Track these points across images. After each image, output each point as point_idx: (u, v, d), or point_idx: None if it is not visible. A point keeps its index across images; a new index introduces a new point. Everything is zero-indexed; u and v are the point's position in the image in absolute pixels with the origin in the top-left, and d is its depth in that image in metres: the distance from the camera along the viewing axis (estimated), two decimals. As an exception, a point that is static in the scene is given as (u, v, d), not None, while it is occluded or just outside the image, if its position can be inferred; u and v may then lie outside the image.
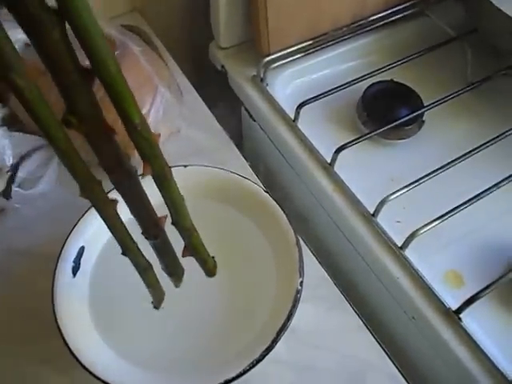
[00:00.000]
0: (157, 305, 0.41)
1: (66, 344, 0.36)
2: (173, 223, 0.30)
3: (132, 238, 0.33)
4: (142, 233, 0.31)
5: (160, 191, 0.27)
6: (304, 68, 0.61)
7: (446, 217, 0.47)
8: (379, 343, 0.43)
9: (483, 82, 0.59)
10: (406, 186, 0.49)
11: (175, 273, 0.36)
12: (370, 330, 0.43)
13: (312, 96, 0.56)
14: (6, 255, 0.47)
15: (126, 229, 0.30)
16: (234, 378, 0.34)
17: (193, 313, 0.41)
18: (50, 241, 0.46)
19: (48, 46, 0.19)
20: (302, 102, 0.55)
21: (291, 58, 0.60)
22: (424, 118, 0.57)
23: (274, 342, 0.36)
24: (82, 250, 0.41)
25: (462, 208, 0.47)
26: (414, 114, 0.56)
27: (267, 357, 0.36)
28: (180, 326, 0.41)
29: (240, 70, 0.62)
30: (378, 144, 0.57)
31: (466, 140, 0.56)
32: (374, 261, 0.48)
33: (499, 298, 0.46)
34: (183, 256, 0.33)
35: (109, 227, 0.29)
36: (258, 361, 0.35)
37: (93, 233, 0.42)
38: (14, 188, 0.48)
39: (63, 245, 0.41)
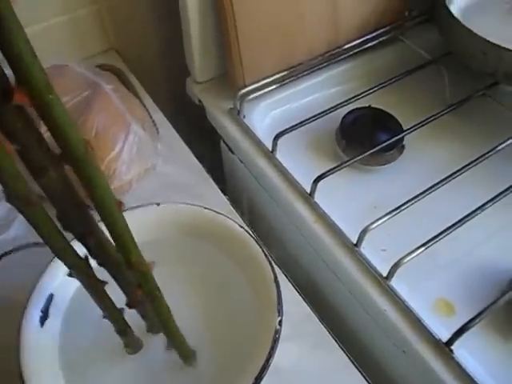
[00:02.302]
0: (132, 353, 0.40)
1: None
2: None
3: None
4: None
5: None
6: (280, 98, 0.61)
7: (431, 243, 0.45)
8: (367, 381, 0.40)
9: (462, 103, 0.58)
10: (388, 213, 0.47)
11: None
12: (357, 368, 0.41)
13: (289, 126, 0.55)
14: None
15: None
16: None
17: (168, 360, 0.39)
18: (19, 290, 0.45)
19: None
20: (279, 133, 0.54)
21: (267, 90, 0.59)
22: (404, 143, 0.57)
23: (254, 386, 0.34)
24: (50, 298, 0.40)
25: (447, 233, 0.46)
26: (394, 139, 0.55)
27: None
28: (156, 375, 0.38)
29: (217, 104, 0.61)
30: (359, 171, 0.56)
31: (448, 162, 0.55)
32: (359, 292, 0.46)
33: (493, 326, 0.44)
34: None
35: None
36: (237, 409, 0.33)
37: (62, 280, 0.41)
38: (-16, 235, 0.46)
39: (30, 293, 0.39)
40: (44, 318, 0.39)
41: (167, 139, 0.57)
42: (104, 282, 0.32)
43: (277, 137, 0.54)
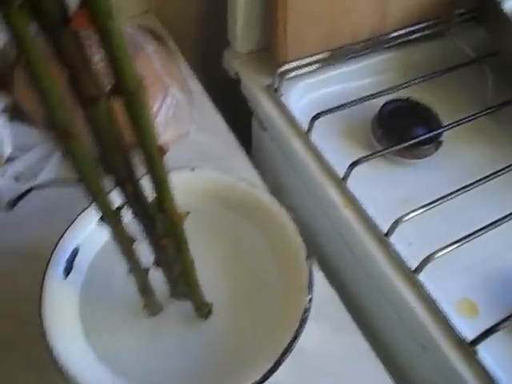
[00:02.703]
0: (150, 314, 0.39)
1: (51, 351, 0.33)
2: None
3: (131, 239, 0.30)
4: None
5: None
6: (319, 80, 0.60)
7: (464, 242, 0.44)
8: (388, 371, 0.40)
9: (501, 106, 0.57)
10: (422, 207, 0.46)
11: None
12: (378, 356, 0.40)
13: (326, 109, 0.54)
14: (-6, 252, 0.44)
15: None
16: (231, 400, 0.31)
17: (194, 327, 0.38)
18: (41, 240, 0.44)
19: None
20: (317, 114, 0.53)
21: (307, 69, 0.58)
22: (442, 139, 0.55)
23: (278, 363, 0.33)
24: (75, 252, 0.39)
25: (478, 234, 0.45)
26: (433, 134, 0.54)
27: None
28: (175, 341, 0.38)
29: (254, 78, 0.60)
30: (392, 162, 0.55)
31: (483, 164, 0.54)
32: (384, 283, 0.45)
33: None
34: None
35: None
36: (259, 383, 0.32)
37: (88, 234, 0.40)
38: (10, 181, 0.45)
39: (56, 244, 0.38)
40: (68, 270, 0.38)
41: (202, 107, 0.56)
42: (133, 239, 0.31)
43: (314, 118, 0.53)
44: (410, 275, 0.44)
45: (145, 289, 0.35)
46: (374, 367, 0.40)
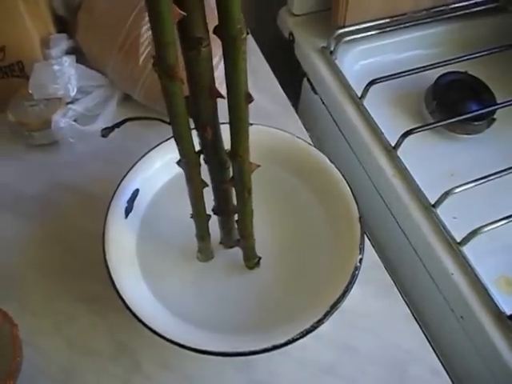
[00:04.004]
0: (203, 260, 0.40)
1: (113, 282, 0.35)
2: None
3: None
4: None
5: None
6: (376, 47, 0.59)
7: (511, 219, 0.44)
8: (426, 336, 0.41)
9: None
10: (471, 181, 0.46)
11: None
12: (417, 321, 0.42)
13: (382, 76, 0.54)
14: (55, 189, 0.46)
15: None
16: (282, 345, 0.33)
17: (243, 276, 0.40)
18: (100, 180, 0.46)
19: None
20: (373, 80, 0.53)
21: (365, 34, 0.57)
22: (495, 116, 0.55)
23: (327, 314, 0.34)
24: (136, 193, 0.40)
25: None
26: (486, 110, 0.53)
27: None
28: (229, 288, 0.39)
29: (309, 40, 0.59)
30: (443, 136, 0.55)
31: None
32: (428, 253, 0.46)
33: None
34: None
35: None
36: (309, 331, 0.34)
37: (149, 177, 0.41)
38: (70, 122, 0.47)
39: (118, 184, 0.40)
40: (129, 210, 0.39)
41: (255, 65, 0.56)
42: (205, 183, 0.32)
43: (370, 84, 0.52)
44: (455, 247, 0.44)
45: (203, 234, 0.36)
46: (412, 330, 0.41)
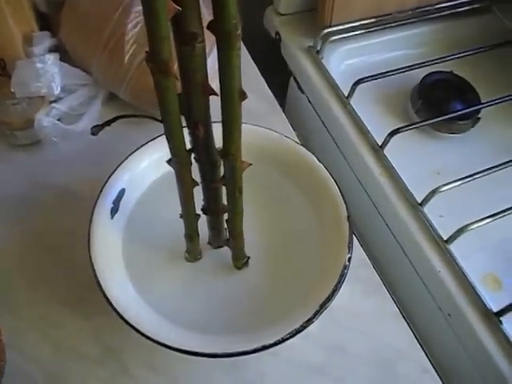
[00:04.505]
0: (191, 260, 0.40)
1: (99, 284, 0.34)
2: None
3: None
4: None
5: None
6: (362, 47, 0.59)
7: (497, 217, 0.45)
8: (414, 334, 0.41)
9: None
10: (458, 180, 0.47)
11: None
12: (405, 319, 0.42)
13: (368, 75, 0.54)
14: (38, 189, 0.45)
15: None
16: (271, 345, 0.33)
17: (232, 276, 0.39)
18: (85, 180, 0.45)
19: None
20: (359, 80, 0.53)
21: (351, 34, 0.57)
22: (480, 116, 0.55)
23: (317, 314, 0.34)
24: (122, 192, 0.40)
25: (510, 212, 0.46)
26: (471, 109, 0.54)
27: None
28: (217, 288, 0.39)
29: (295, 39, 0.59)
30: (428, 135, 0.55)
31: (518, 144, 0.54)
32: (415, 251, 0.46)
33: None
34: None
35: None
36: (298, 331, 0.33)
37: (135, 176, 0.41)
38: (54, 121, 0.46)
39: (104, 184, 0.39)
40: (114, 210, 0.39)
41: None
42: (196, 182, 0.32)
43: (356, 83, 0.53)
44: (442, 245, 0.45)
45: (192, 234, 0.36)
46: (401, 329, 0.41)
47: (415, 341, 0.41)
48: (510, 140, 0.56)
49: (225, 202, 0.33)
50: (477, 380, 0.42)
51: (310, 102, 0.58)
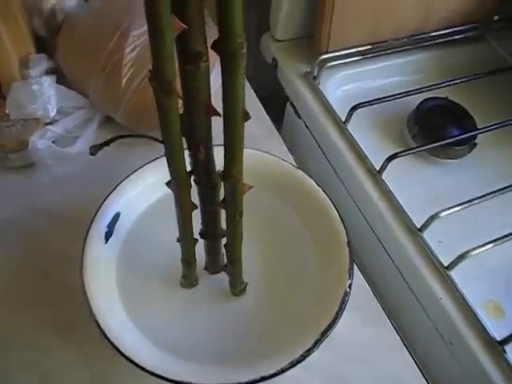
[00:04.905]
0: (187, 286, 0.39)
1: (91, 310, 0.33)
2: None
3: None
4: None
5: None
6: (358, 73, 0.60)
7: (498, 243, 0.44)
8: (416, 363, 0.40)
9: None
10: (457, 205, 0.46)
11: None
12: (407, 347, 0.40)
13: (365, 100, 0.54)
14: (31, 213, 0.44)
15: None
16: (271, 376, 0.31)
17: (229, 303, 0.38)
18: (79, 203, 0.44)
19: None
20: (356, 105, 0.53)
21: (348, 60, 0.58)
22: (476, 141, 0.55)
23: (317, 342, 0.33)
24: (117, 216, 0.39)
25: (510, 238, 0.45)
26: (468, 135, 0.54)
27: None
28: (214, 316, 0.38)
29: (292, 65, 0.60)
30: (426, 161, 0.55)
31: (513, 170, 0.54)
32: (415, 278, 0.45)
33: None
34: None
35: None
36: (299, 361, 0.32)
37: (131, 200, 0.40)
38: (49, 143, 0.45)
39: (99, 208, 0.38)
40: (109, 234, 0.38)
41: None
42: (195, 205, 0.31)
43: (353, 108, 0.53)
44: (442, 271, 0.44)
45: (189, 259, 0.35)
46: (403, 358, 0.40)
47: (418, 371, 0.39)
48: (506, 165, 0.56)
49: (223, 226, 0.32)
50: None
51: (307, 126, 0.58)
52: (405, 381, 0.39)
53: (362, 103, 0.53)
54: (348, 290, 0.35)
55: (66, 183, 0.46)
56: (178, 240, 0.33)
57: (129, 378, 0.36)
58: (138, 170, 0.40)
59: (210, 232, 0.33)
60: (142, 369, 0.31)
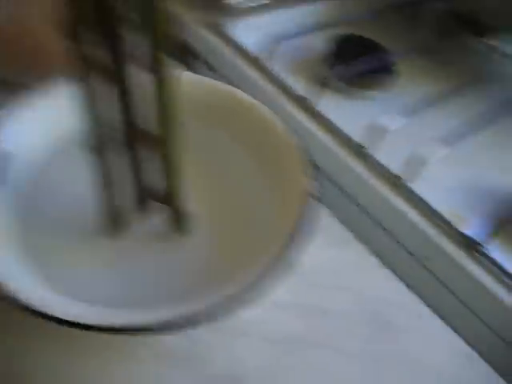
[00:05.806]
0: (113, 232, 0.30)
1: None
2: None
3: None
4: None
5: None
6: (268, 18, 0.56)
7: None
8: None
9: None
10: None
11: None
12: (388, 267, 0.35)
13: (283, 37, 0.50)
14: None
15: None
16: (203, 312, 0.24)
17: (164, 244, 0.31)
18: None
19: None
20: (273, 45, 0.49)
21: (255, 4, 0.54)
22: (396, 69, 0.54)
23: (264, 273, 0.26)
24: (7, 157, 0.29)
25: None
26: (385, 63, 0.53)
27: (266, 301, 0.27)
28: (146, 259, 0.30)
29: (196, 17, 0.54)
30: (350, 96, 0.52)
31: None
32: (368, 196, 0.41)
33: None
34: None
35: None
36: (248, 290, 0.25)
37: (29, 139, 0.31)
38: None
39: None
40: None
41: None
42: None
43: (271, 47, 0.49)
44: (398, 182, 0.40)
45: (111, 197, 0.27)
46: (385, 277, 0.35)
47: (404, 287, 0.34)
48: (429, 90, 0.55)
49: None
50: (468, 314, 0.37)
51: (222, 76, 0.53)
52: (390, 299, 0.33)
53: (279, 41, 0.49)
54: (303, 214, 0.29)
55: None
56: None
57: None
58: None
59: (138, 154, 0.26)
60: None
